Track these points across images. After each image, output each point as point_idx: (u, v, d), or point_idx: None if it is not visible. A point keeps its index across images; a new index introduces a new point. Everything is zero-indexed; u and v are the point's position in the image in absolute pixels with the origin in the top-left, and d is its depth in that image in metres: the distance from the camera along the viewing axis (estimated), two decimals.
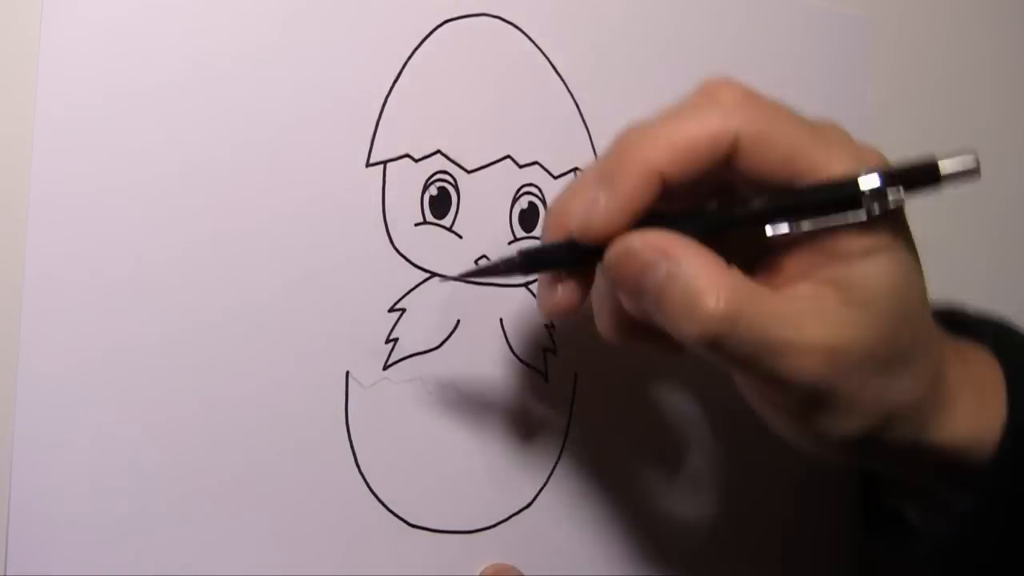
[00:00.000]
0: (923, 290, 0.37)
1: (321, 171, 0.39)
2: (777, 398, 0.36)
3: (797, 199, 0.35)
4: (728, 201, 0.36)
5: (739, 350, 0.34)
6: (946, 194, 0.57)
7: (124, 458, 0.36)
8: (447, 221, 0.41)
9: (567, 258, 0.36)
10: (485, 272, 0.37)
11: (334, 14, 0.39)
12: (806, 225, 0.35)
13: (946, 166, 0.35)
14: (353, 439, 0.39)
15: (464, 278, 0.39)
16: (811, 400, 0.35)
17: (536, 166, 0.43)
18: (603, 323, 0.38)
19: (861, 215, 0.35)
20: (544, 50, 0.43)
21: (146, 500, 0.36)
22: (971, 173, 0.35)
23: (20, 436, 0.34)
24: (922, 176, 0.35)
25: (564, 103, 0.44)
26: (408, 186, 0.41)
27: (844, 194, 0.35)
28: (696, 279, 0.33)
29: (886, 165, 0.36)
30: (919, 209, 0.57)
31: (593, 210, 0.35)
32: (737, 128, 0.35)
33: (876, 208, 0.35)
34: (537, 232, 0.43)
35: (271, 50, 0.38)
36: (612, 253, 0.35)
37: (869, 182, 0.34)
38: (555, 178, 0.43)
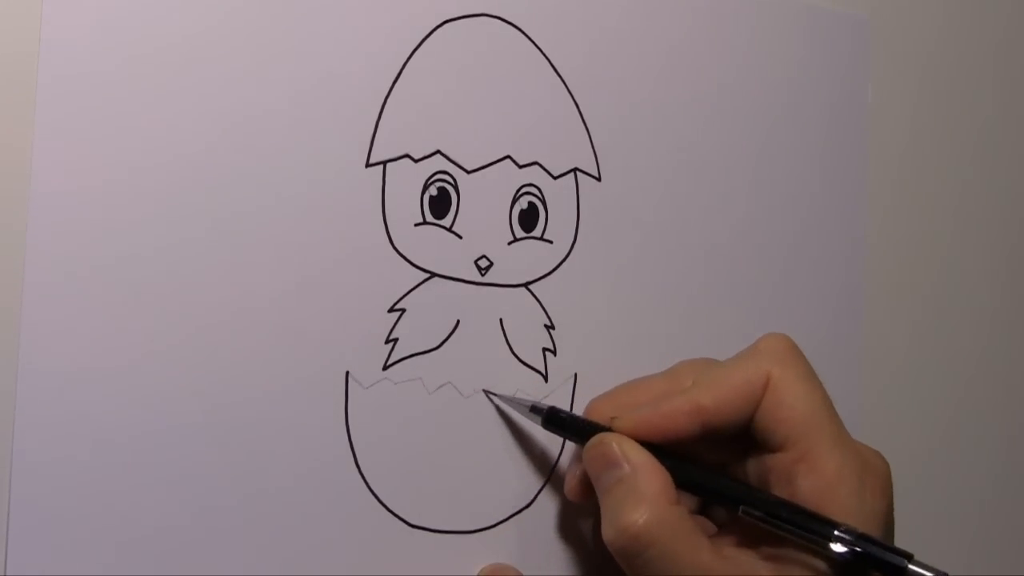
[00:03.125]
0: None
1: (321, 171, 0.39)
2: None
3: (774, 507, 0.37)
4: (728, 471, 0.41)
5: (641, 571, 0.36)
6: (946, 193, 0.57)
7: (124, 458, 0.36)
8: (447, 221, 0.41)
9: (581, 432, 0.41)
10: (515, 402, 0.42)
11: (334, 14, 0.39)
12: (775, 524, 0.37)
13: (916, 570, 0.35)
14: (353, 439, 0.39)
15: (503, 397, 0.42)
16: None
17: (536, 166, 0.43)
18: (571, 482, 0.42)
19: (825, 550, 0.36)
20: (544, 50, 0.43)
21: (146, 500, 0.36)
22: None
23: (20, 436, 0.34)
24: (889, 569, 0.36)
25: (564, 103, 0.44)
26: (408, 186, 0.41)
27: (817, 529, 0.36)
28: (635, 494, 0.38)
29: (863, 537, 0.36)
30: (919, 208, 0.57)
31: (637, 414, 0.40)
32: (769, 370, 0.39)
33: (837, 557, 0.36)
34: (537, 233, 0.43)
35: (271, 50, 0.38)
36: (594, 441, 0.40)
37: (838, 548, 0.36)
38: (555, 178, 0.43)
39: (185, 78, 0.37)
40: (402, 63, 0.40)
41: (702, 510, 0.43)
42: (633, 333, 0.45)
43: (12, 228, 0.35)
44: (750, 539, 0.38)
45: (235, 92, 0.38)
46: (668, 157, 0.46)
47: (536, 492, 0.43)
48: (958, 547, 0.57)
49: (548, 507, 0.43)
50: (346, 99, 0.39)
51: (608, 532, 0.38)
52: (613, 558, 0.38)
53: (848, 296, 0.52)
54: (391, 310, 0.40)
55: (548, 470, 0.43)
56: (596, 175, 0.45)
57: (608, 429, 0.40)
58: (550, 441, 0.43)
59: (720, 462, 0.41)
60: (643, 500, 0.37)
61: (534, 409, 0.42)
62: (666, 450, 0.39)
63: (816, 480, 0.38)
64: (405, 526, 0.40)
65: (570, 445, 0.43)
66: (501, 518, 0.42)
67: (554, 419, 0.41)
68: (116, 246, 0.36)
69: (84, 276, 0.35)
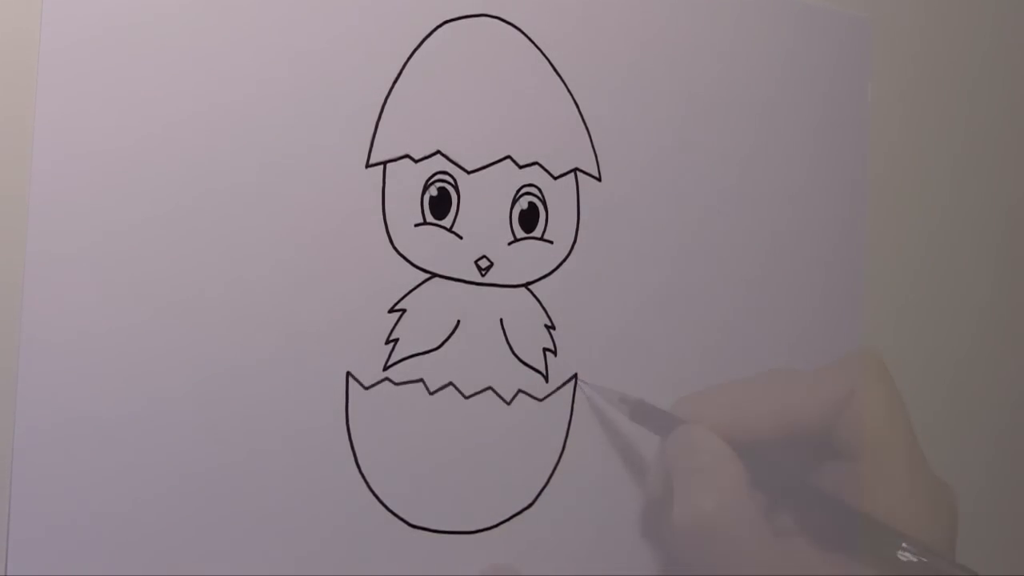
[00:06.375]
0: None
1: (321, 171, 0.39)
2: None
3: (845, 514, 0.39)
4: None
5: (706, 559, 0.38)
6: (946, 193, 0.57)
7: (124, 458, 0.36)
8: (447, 222, 0.41)
9: (666, 425, 0.42)
10: (604, 392, 0.43)
11: (334, 14, 0.39)
12: (844, 530, 0.39)
13: None
14: (353, 439, 0.39)
15: (595, 387, 0.44)
16: None
17: (536, 166, 0.43)
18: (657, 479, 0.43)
19: (890, 561, 0.37)
20: (544, 50, 0.43)
21: (146, 500, 0.36)
22: None
23: (20, 436, 0.34)
24: None
25: (564, 103, 0.44)
26: (408, 186, 0.41)
27: (885, 539, 0.38)
28: (709, 482, 0.38)
29: (930, 551, 0.37)
30: (919, 208, 0.57)
31: (722, 411, 0.41)
32: (857, 382, 0.40)
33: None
34: (537, 233, 0.43)
35: (271, 50, 0.38)
36: (677, 431, 0.41)
37: (904, 557, 0.37)
38: (555, 178, 0.43)
39: (184, 78, 0.37)
40: (402, 63, 0.40)
41: (770, 514, 0.43)
42: (633, 333, 0.45)
43: (12, 228, 0.35)
44: (815, 546, 0.39)
45: (235, 92, 0.38)
46: (668, 157, 0.46)
47: (537, 492, 0.43)
48: (958, 547, 0.57)
49: (549, 508, 0.43)
50: (346, 99, 0.39)
51: (677, 515, 0.39)
52: (615, 558, 0.38)
53: (848, 296, 0.52)
54: (391, 310, 0.40)
55: (549, 470, 0.43)
56: (596, 175, 0.45)
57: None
58: (551, 441, 0.43)
59: (797, 468, 0.42)
60: (716, 488, 0.38)
61: (622, 400, 0.43)
62: (746, 449, 0.40)
63: (889, 494, 0.39)
64: (405, 526, 0.40)
65: (572, 447, 0.43)
66: (501, 518, 0.42)
67: (641, 411, 0.43)
68: (116, 246, 0.36)
69: (84, 275, 0.35)
